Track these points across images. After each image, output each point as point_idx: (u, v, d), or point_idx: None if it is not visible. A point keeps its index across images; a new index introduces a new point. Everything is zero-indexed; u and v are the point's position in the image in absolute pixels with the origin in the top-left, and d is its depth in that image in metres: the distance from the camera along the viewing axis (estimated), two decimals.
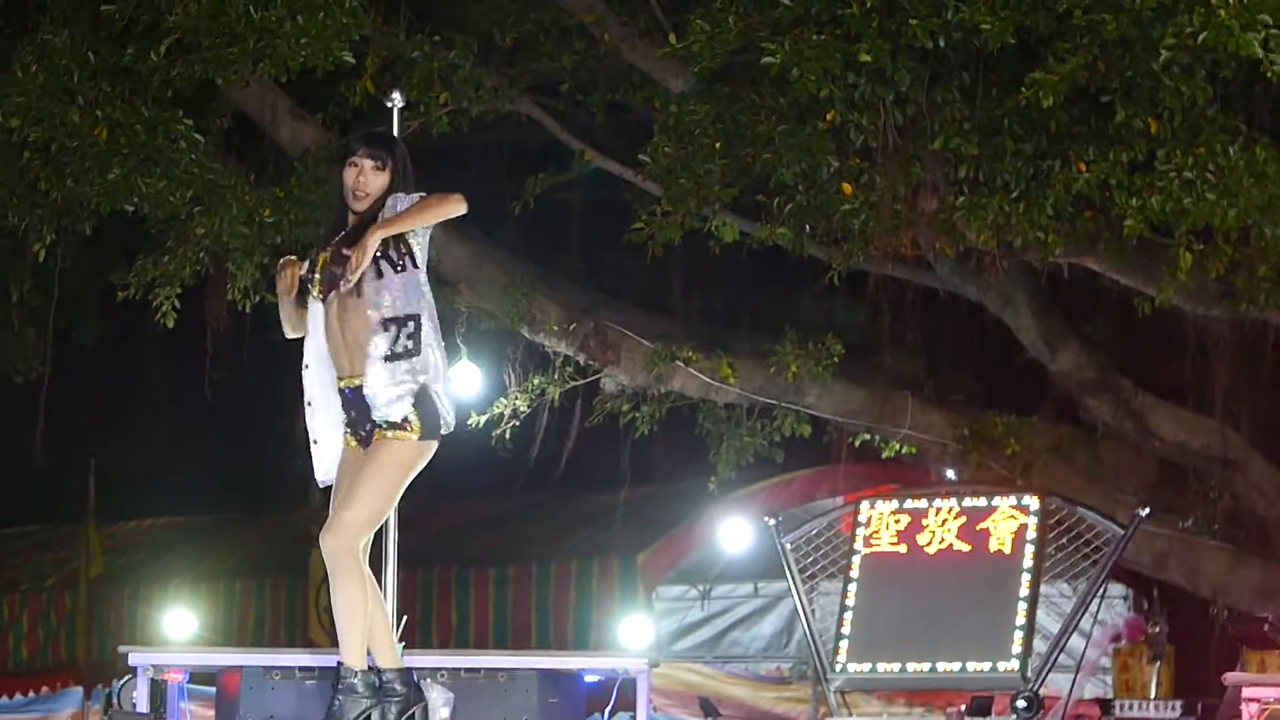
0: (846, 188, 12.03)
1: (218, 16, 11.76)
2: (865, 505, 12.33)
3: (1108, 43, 10.88)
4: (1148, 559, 14.72)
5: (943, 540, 11.90)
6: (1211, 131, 11.24)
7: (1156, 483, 14.97)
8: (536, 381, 14.31)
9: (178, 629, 13.94)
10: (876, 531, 12.08)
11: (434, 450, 7.34)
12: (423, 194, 7.37)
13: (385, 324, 7.23)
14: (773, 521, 12.52)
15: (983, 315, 14.73)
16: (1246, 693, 9.67)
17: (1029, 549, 11.56)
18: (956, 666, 11.50)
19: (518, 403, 14.26)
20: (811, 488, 17.62)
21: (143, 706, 8.35)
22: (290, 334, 7.59)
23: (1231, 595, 14.46)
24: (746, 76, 12.13)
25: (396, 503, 7.41)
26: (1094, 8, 10.82)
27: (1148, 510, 11.91)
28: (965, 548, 11.78)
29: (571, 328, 14.04)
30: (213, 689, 8.58)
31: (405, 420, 7.23)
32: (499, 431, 14.19)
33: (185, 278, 13.06)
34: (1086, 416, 14.94)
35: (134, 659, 8.41)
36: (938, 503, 12.01)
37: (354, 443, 7.38)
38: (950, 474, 14.41)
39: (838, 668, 11.76)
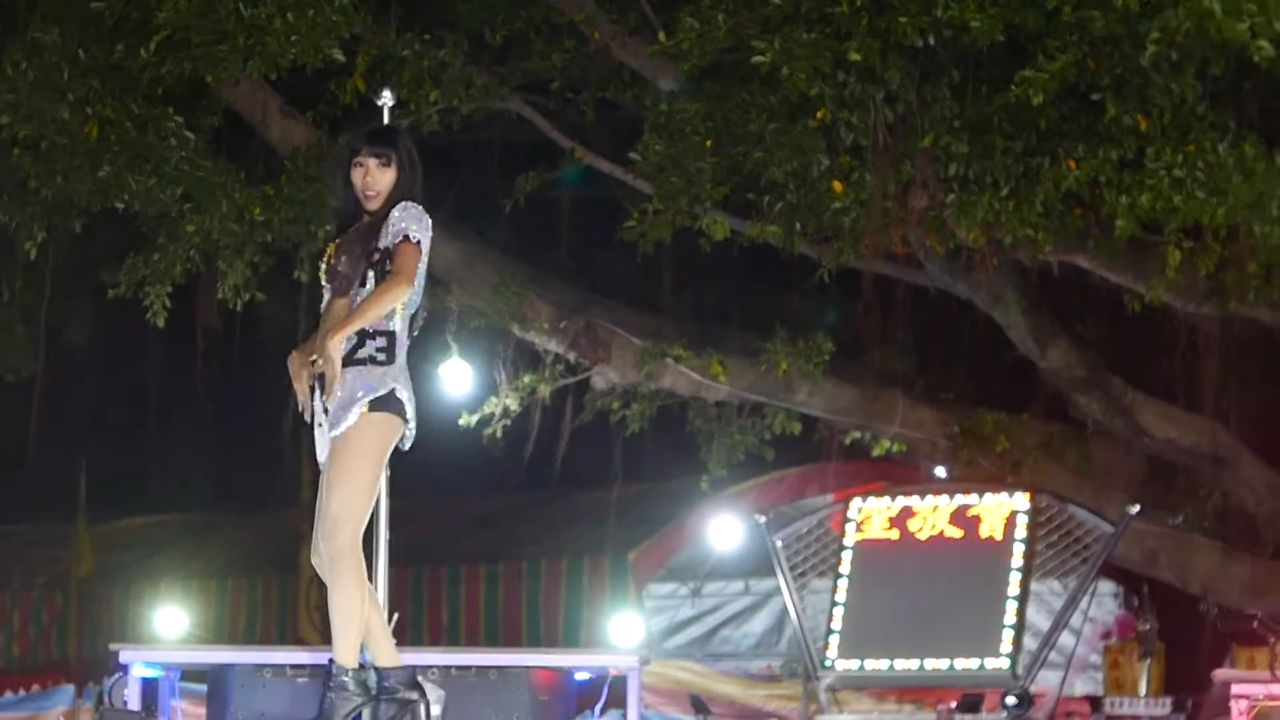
0: (837, 186, 12.04)
1: (207, 14, 11.75)
2: (857, 501, 12.36)
3: (1097, 40, 10.90)
4: (1138, 556, 14.74)
5: (934, 526, 11.94)
6: (1201, 129, 11.26)
7: (1146, 480, 14.99)
8: (527, 380, 14.31)
9: (169, 627, 13.94)
10: (869, 518, 12.12)
11: (398, 427, 7.27)
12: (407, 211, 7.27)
13: (372, 334, 7.23)
14: (763, 519, 12.56)
15: (973, 313, 14.75)
16: (1235, 689, 9.70)
17: (1019, 541, 11.59)
18: (947, 664, 11.53)
19: (508, 401, 14.26)
20: (802, 486, 17.62)
21: (134, 704, 8.34)
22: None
23: (1221, 592, 14.48)
24: (736, 75, 12.14)
25: (378, 484, 7.36)
26: (1083, 5, 10.83)
27: (1138, 507, 11.95)
28: (957, 533, 11.82)
29: (562, 326, 14.05)
30: (204, 687, 8.58)
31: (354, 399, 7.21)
32: (490, 430, 14.19)
33: (176, 276, 13.05)
34: (1076, 414, 14.97)
35: (125, 657, 8.40)
36: (929, 499, 12.06)
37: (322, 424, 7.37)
38: (941, 472, 14.43)
39: (828, 665, 11.78)
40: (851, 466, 16.13)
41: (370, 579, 7.59)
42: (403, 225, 7.23)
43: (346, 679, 7.26)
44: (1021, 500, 12.12)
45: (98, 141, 12.35)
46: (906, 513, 12.29)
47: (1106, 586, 17.27)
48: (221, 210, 12.73)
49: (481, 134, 15.04)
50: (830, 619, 12.02)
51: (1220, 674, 10.77)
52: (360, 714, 7.29)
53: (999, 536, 11.86)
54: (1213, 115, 11.48)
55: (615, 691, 8.58)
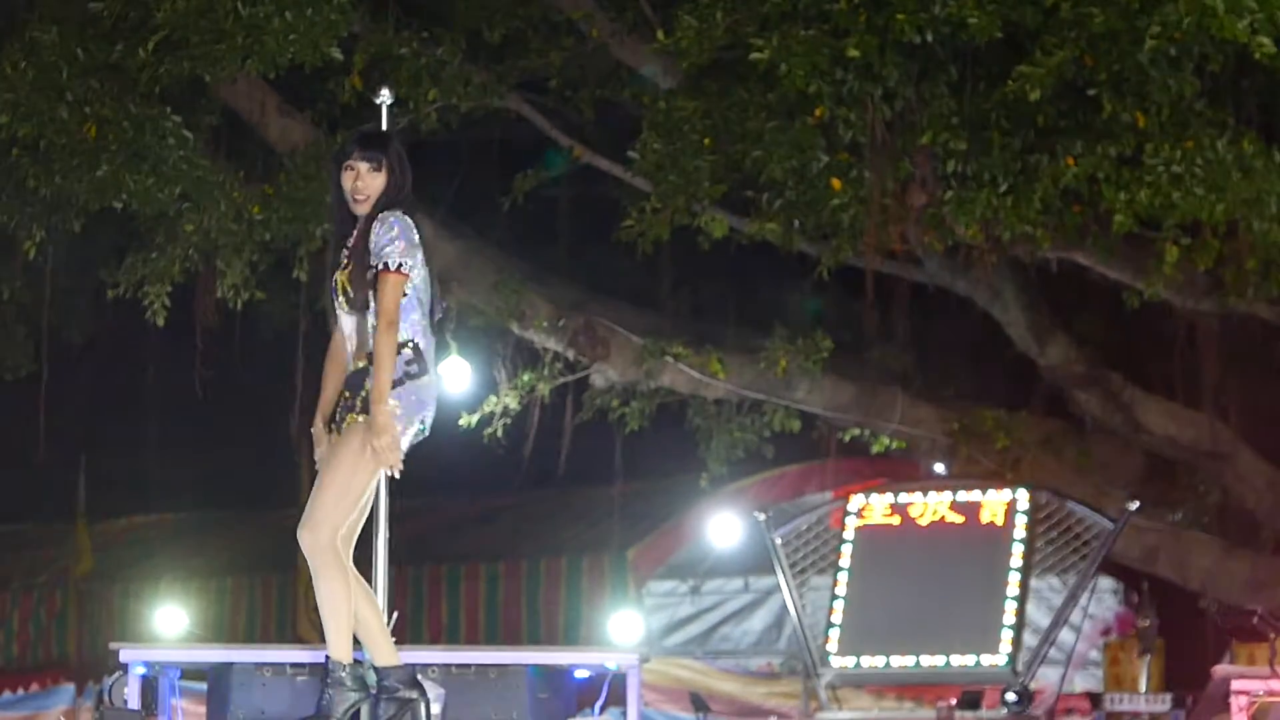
0: (835, 183, 12.04)
1: (206, 13, 11.76)
2: (857, 498, 12.37)
3: (1095, 36, 10.90)
4: (1137, 552, 14.75)
5: (935, 513, 11.95)
6: (1199, 125, 11.27)
7: (1146, 476, 15.00)
8: (526, 378, 14.30)
9: (168, 626, 13.95)
10: (869, 508, 12.12)
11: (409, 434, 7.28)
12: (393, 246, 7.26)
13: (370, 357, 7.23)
14: (763, 516, 12.56)
15: (972, 310, 14.75)
16: (1235, 685, 9.69)
17: (1019, 541, 11.59)
18: (947, 661, 11.54)
19: (508, 400, 14.25)
20: (801, 483, 17.63)
21: (134, 703, 8.34)
22: None
23: (1221, 588, 14.48)
24: (735, 72, 12.14)
25: (369, 488, 7.35)
26: (1081, 1, 10.83)
27: (1137, 504, 11.96)
28: (958, 519, 11.82)
29: (561, 324, 14.05)
30: (204, 685, 8.58)
31: (363, 405, 7.19)
32: (490, 429, 14.19)
33: (175, 275, 13.06)
34: (1075, 410, 14.97)
35: (125, 656, 8.40)
36: (931, 496, 12.07)
37: (333, 435, 7.37)
38: (940, 468, 14.43)
39: (828, 662, 11.78)
40: (850, 464, 16.13)
41: (370, 578, 7.59)
42: (382, 250, 7.17)
43: (343, 674, 7.25)
44: (1021, 497, 12.12)
45: (96, 141, 12.35)
46: (907, 503, 12.31)
47: (1106, 583, 17.28)
48: (220, 209, 12.73)
49: (480, 132, 15.03)
50: (830, 612, 12.02)
51: (1220, 670, 10.77)
52: (358, 710, 7.29)
53: (1000, 522, 11.87)
54: (1211, 112, 11.49)
55: (615, 689, 8.58)
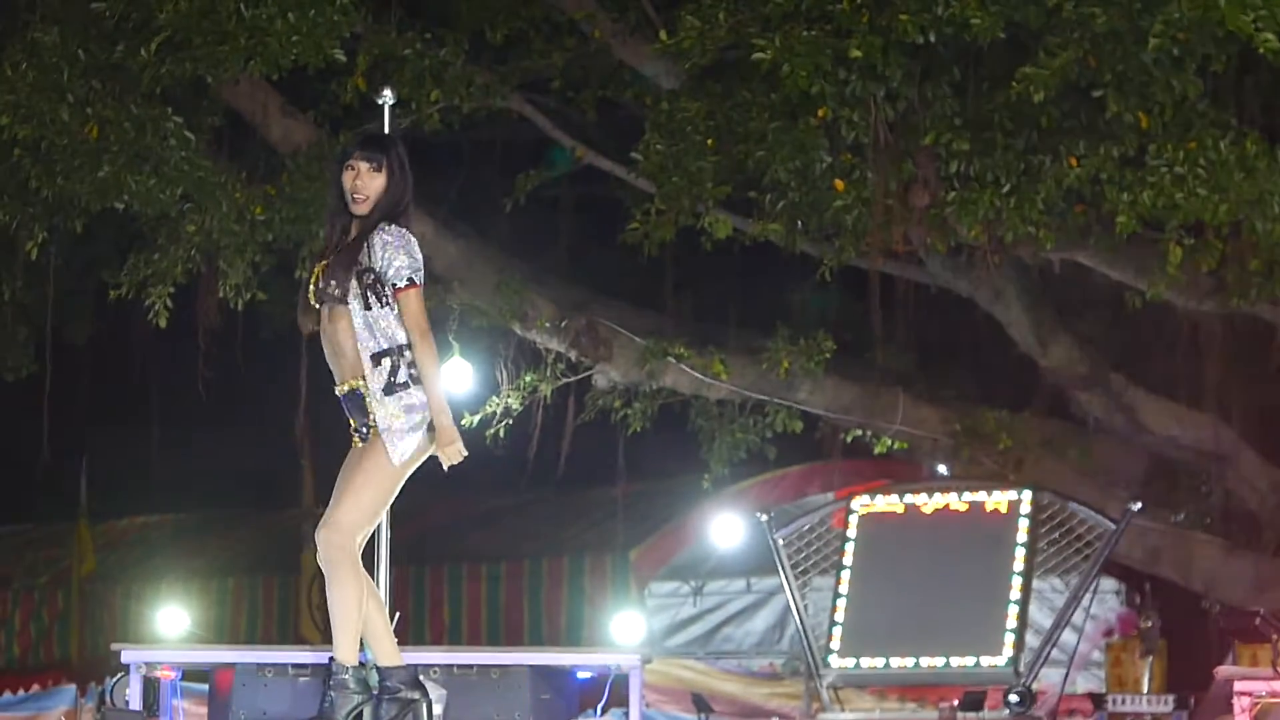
0: (838, 184, 12.04)
1: (208, 14, 11.76)
2: (861, 498, 12.35)
3: (1098, 36, 10.90)
4: (1140, 553, 14.74)
5: (939, 502, 11.94)
6: (1202, 126, 11.27)
7: (1148, 477, 14.98)
8: (529, 379, 14.30)
9: (170, 626, 13.94)
10: (872, 505, 12.11)
11: (428, 450, 7.34)
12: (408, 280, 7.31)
13: (376, 358, 7.25)
14: (765, 517, 12.55)
15: (974, 311, 14.74)
16: (1237, 686, 9.70)
17: (1020, 545, 11.58)
18: (949, 661, 11.53)
19: (510, 400, 14.25)
20: (803, 484, 17.63)
21: (135, 704, 8.34)
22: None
23: (1223, 589, 14.47)
24: (737, 73, 12.13)
25: (390, 500, 7.40)
26: (1084, 1, 10.83)
27: (1139, 505, 11.95)
28: (962, 506, 11.82)
29: (563, 324, 14.04)
30: (205, 686, 8.58)
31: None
32: (492, 430, 14.18)
33: (177, 276, 13.05)
34: (1078, 411, 14.96)
35: (127, 656, 8.40)
36: (937, 497, 12.06)
37: (357, 441, 7.40)
38: (942, 469, 14.42)
39: (830, 663, 11.77)
40: (853, 464, 16.12)
41: (372, 578, 7.59)
42: (396, 267, 7.24)
43: (347, 677, 7.27)
44: (1023, 497, 12.12)
45: (98, 142, 12.34)
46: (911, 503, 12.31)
47: (1108, 584, 17.28)
48: (222, 210, 12.73)
49: (482, 133, 15.05)
50: (833, 611, 12.01)
51: (1222, 671, 10.78)
52: (361, 712, 7.29)
53: (1004, 510, 11.87)
54: (1214, 112, 11.48)
55: (617, 690, 8.57)
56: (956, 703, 11.45)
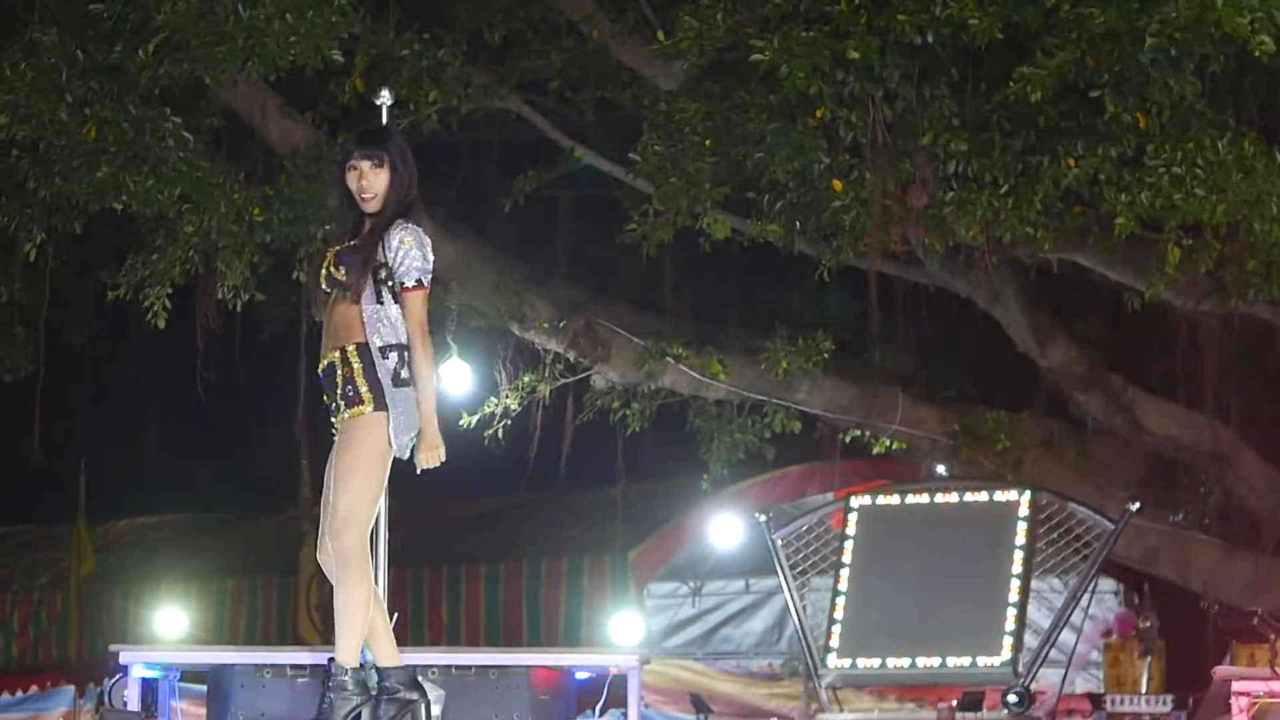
0: (836, 184, 12.04)
1: (206, 15, 11.75)
2: (859, 498, 12.35)
3: (1096, 37, 10.90)
4: (1138, 553, 14.74)
5: (938, 502, 11.93)
6: (1200, 126, 11.27)
7: (1146, 477, 14.99)
8: (527, 379, 14.30)
9: (169, 627, 13.95)
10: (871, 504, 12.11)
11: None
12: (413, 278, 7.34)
13: (384, 351, 7.27)
14: (763, 518, 12.53)
15: (972, 311, 14.75)
16: (1236, 686, 9.69)
17: (1019, 548, 11.58)
18: (949, 661, 11.52)
19: (508, 401, 14.25)
20: (802, 484, 17.62)
21: (134, 705, 8.35)
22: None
23: (1222, 589, 14.47)
24: (735, 74, 12.13)
25: (383, 480, 7.39)
26: (1081, 1, 10.83)
27: (1138, 505, 11.93)
28: (961, 507, 11.79)
29: (562, 325, 14.04)
30: (204, 687, 8.58)
31: (356, 397, 7.25)
32: (491, 431, 14.18)
33: (175, 277, 13.04)
34: (1076, 412, 14.96)
35: (125, 657, 8.41)
36: (937, 497, 12.05)
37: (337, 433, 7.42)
38: (941, 470, 14.41)
39: (829, 663, 11.76)
40: (851, 465, 16.11)
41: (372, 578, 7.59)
42: (408, 265, 7.29)
43: (346, 678, 7.27)
44: (1022, 498, 12.11)
45: (96, 142, 12.34)
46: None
47: (1107, 584, 17.27)
48: (220, 211, 12.72)
49: (480, 133, 15.04)
50: (832, 609, 12.00)
51: (1221, 671, 10.76)
52: (360, 714, 7.29)
53: (1003, 511, 11.87)
54: (1212, 112, 11.48)
55: (615, 691, 8.58)
56: (955, 703, 11.44)
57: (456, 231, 14.15)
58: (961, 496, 12.05)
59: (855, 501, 12.08)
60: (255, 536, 20.46)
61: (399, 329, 7.30)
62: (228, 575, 19.93)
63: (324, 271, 7.42)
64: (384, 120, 8.22)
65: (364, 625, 7.26)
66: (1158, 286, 12.39)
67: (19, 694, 14.68)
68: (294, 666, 8.10)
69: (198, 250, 12.97)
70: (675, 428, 14.96)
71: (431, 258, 7.38)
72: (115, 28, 12.34)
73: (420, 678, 7.50)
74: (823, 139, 11.83)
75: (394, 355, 7.28)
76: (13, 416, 16.62)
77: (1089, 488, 14.06)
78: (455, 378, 13.87)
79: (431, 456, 7.33)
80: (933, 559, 11.74)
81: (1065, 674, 12.73)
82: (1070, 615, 11.92)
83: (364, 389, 7.25)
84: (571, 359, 14.24)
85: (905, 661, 11.57)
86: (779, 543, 12.28)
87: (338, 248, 7.44)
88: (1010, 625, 11.48)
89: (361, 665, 7.33)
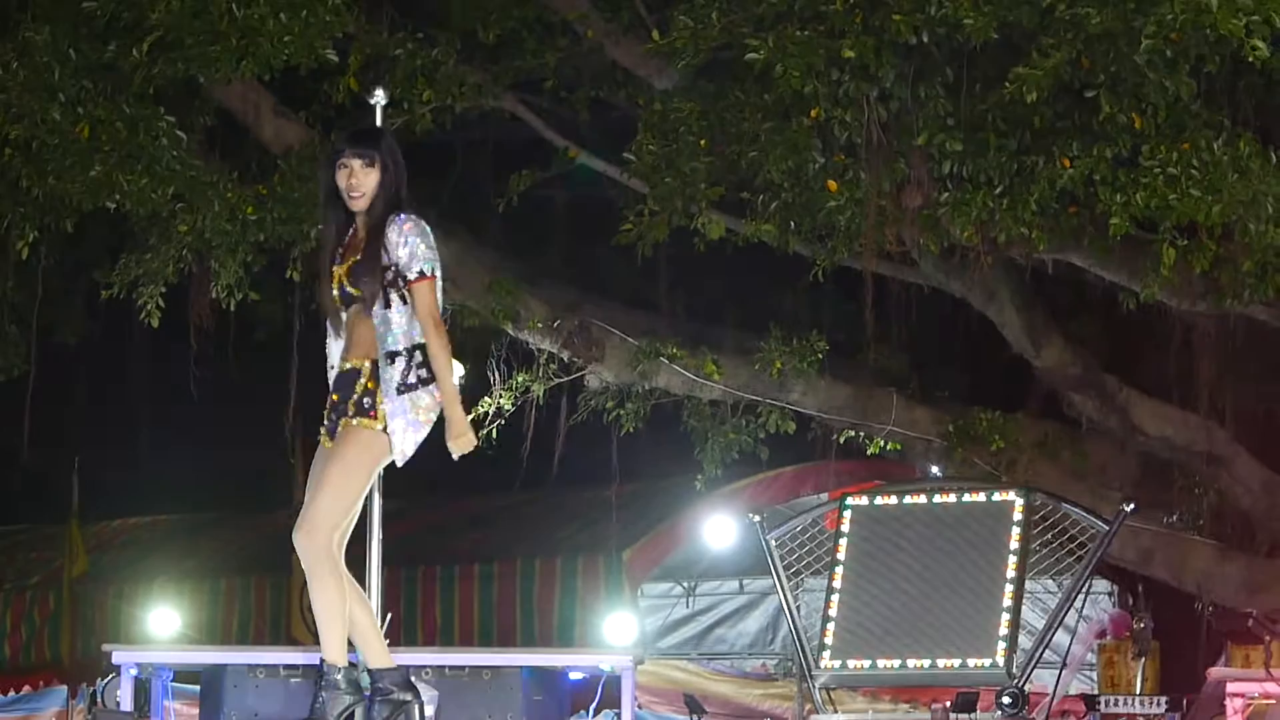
0: (831, 184, 12.03)
1: (200, 14, 11.75)
2: (854, 499, 12.33)
3: (1091, 37, 10.89)
4: (1133, 554, 14.73)
5: (933, 502, 11.91)
6: (1196, 127, 11.26)
7: (1141, 478, 14.98)
8: (521, 379, 14.29)
9: (162, 627, 13.93)
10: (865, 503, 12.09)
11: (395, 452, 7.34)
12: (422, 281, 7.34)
13: (390, 357, 7.27)
14: (757, 518, 12.51)
15: (967, 311, 14.74)
16: (1230, 688, 9.70)
17: (1013, 552, 11.57)
18: (942, 663, 11.50)
19: (502, 401, 14.24)
20: (796, 484, 17.59)
21: (127, 705, 8.33)
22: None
23: (1216, 590, 14.47)
24: (730, 73, 12.12)
25: (364, 494, 7.38)
26: (1077, 2, 10.82)
27: (1132, 506, 11.91)
28: (955, 508, 11.78)
29: (556, 325, 14.03)
30: (197, 687, 8.56)
31: (371, 410, 7.24)
32: (484, 431, 14.17)
33: (169, 276, 13.03)
34: (1071, 412, 14.95)
35: (118, 657, 8.39)
36: (937, 498, 12.03)
37: (327, 441, 7.39)
38: (935, 470, 14.41)
39: (823, 664, 11.75)
40: (846, 465, 16.10)
41: (363, 579, 7.59)
42: (414, 258, 7.28)
43: (338, 677, 7.26)
44: (1016, 499, 12.10)
45: (89, 141, 12.33)
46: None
47: (1101, 585, 17.26)
48: (214, 210, 12.71)
49: (475, 133, 15.04)
50: (827, 607, 11.99)
51: (1215, 672, 10.77)
52: (353, 713, 7.28)
53: (997, 512, 11.85)
54: (1207, 113, 11.48)
55: (609, 691, 8.57)
56: (949, 704, 11.42)
57: (450, 231, 14.10)
58: (959, 498, 12.04)
59: (850, 502, 12.06)
60: (248, 536, 20.42)
61: (403, 333, 7.28)
62: (220, 575, 19.89)
63: (335, 292, 7.40)
64: (378, 119, 8.21)
65: (343, 619, 7.24)
66: (1153, 287, 12.38)
67: (11, 694, 14.65)
68: (287, 666, 8.09)
69: (191, 249, 12.96)
70: (669, 428, 14.95)
71: (434, 245, 7.37)
72: (109, 26, 12.34)
73: (414, 678, 7.48)
74: (818, 139, 11.83)
75: (399, 362, 7.28)
76: (5, 416, 16.59)
77: (1083, 489, 14.05)
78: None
79: (463, 442, 7.34)
80: (927, 560, 11.73)
81: (1060, 675, 12.71)
82: (1065, 616, 11.92)
83: (383, 406, 7.26)
84: (565, 359, 14.23)
85: (899, 663, 11.56)
86: (773, 543, 12.26)
87: (348, 263, 7.39)
88: (1004, 627, 11.47)
89: (353, 664, 7.32)
